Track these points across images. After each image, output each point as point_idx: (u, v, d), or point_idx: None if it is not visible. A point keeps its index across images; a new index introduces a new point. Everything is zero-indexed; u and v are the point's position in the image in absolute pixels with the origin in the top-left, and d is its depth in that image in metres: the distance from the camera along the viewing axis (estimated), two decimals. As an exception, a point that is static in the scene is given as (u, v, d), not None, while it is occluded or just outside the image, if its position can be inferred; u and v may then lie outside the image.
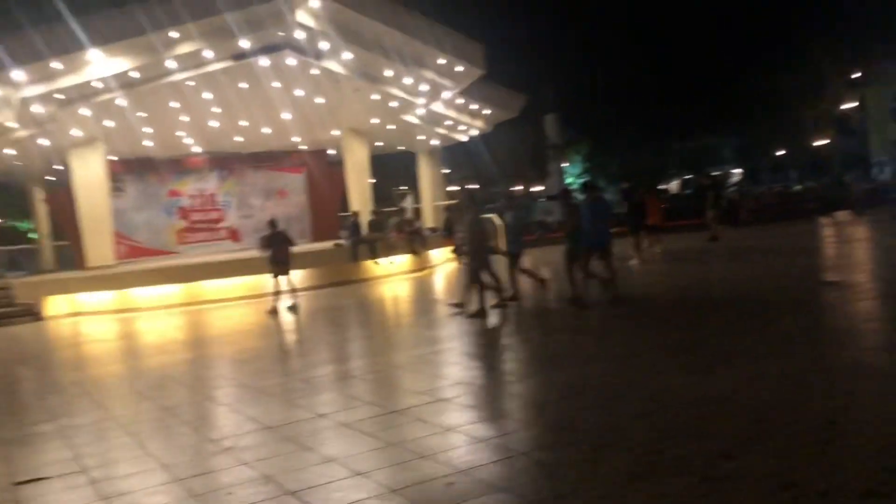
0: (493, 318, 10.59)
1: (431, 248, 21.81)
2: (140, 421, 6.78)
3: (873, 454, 4.08)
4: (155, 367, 9.81)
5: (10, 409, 7.98)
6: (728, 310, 9.39)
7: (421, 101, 21.31)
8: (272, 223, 15.03)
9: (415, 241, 20.76)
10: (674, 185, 61.06)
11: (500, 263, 11.63)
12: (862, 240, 18.37)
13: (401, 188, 32.74)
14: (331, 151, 27.23)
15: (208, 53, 16.44)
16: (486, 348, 8.97)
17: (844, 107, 50.49)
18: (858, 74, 50.62)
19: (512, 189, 34.73)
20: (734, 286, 11.76)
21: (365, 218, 20.29)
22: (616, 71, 49.35)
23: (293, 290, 14.68)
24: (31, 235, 30.22)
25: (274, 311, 14.10)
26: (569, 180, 43.93)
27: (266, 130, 22.62)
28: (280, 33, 16.61)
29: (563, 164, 43.66)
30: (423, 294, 16.35)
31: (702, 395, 5.54)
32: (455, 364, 7.99)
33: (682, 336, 8.02)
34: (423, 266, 21.04)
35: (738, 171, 63.06)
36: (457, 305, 11.46)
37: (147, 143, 21.83)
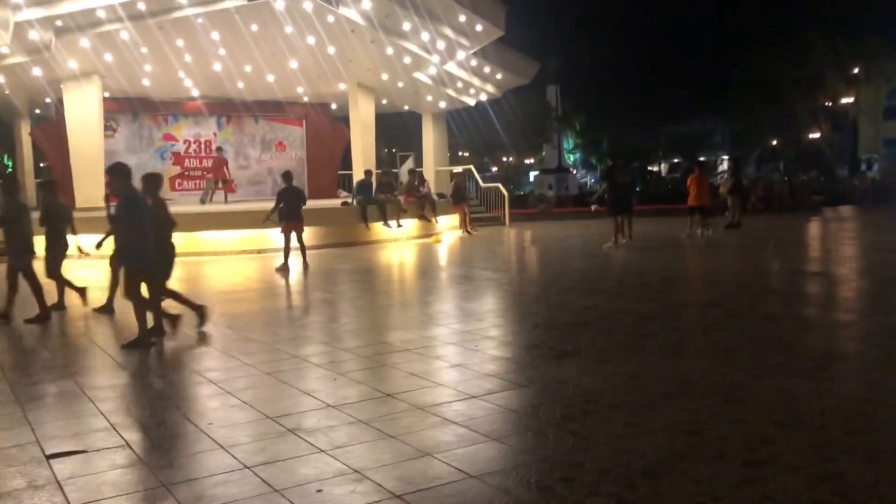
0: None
1: (440, 214, 20.99)
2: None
3: None
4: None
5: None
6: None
7: (436, 58, 20.35)
8: (288, 176, 14.22)
9: (424, 205, 19.92)
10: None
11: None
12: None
13: (402, 152, 31.78)
14: (332, 106, 26.17)
15: (224, -13, 15.35)
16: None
17: (841, 102, 50.42)
18: (856, 70, 50.42)
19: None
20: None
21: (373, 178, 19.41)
22: (615, 48, 48.66)
23: (303, 248, 13.90)
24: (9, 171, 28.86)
25: (285, 268, 13.29)
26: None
27: (270, 78, 21.50)
28: (301, -28, 15.54)
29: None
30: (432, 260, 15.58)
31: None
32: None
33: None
34: (430, 232, 20.17)
35: (726, 157, 63.07)
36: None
37: (145, 82, 20.61)
